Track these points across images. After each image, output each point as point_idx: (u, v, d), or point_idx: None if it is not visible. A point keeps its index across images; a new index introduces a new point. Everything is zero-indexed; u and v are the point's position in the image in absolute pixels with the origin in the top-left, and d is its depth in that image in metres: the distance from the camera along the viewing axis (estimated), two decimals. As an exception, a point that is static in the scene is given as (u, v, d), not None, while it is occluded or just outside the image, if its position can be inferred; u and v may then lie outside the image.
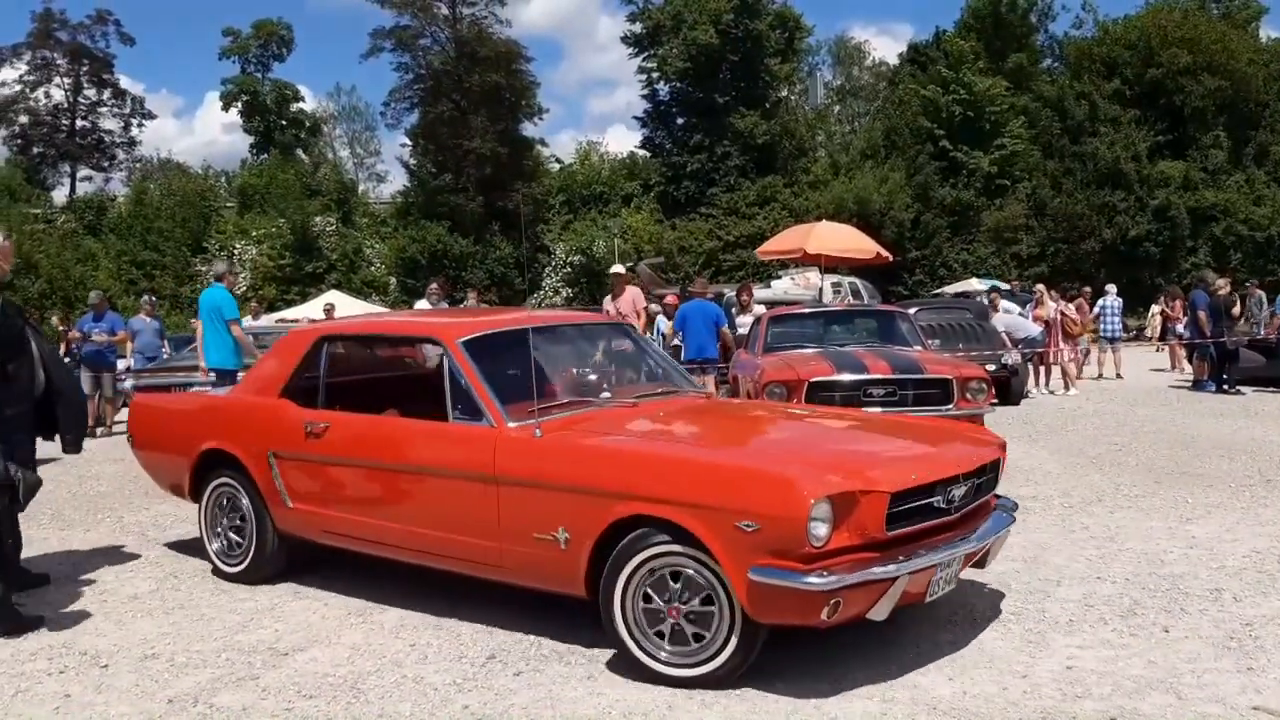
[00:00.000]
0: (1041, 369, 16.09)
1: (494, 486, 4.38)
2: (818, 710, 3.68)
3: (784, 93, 45.57)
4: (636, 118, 45.99)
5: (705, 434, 4.76)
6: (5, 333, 5.32)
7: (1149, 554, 5.68)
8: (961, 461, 4.27)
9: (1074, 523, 6.54)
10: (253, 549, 5.52)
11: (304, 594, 5.40)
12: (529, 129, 43.42)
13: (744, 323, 13.20)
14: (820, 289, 16.00)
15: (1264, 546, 5.74)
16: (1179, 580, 5.14)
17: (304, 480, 5.24)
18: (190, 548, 6.35)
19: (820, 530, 3.62)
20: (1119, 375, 18.11)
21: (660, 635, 3.95)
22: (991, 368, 13.36)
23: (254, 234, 38.43)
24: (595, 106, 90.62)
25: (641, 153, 46.09)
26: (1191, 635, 4.34)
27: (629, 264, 35.86)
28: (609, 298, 12.31)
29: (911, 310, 14.06)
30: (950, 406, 8.17)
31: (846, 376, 8.37)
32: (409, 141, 42.15)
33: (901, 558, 3.80)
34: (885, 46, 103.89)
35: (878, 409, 8.11)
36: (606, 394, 5.19)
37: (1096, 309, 18.77)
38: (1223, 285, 15.85)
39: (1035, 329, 15.56)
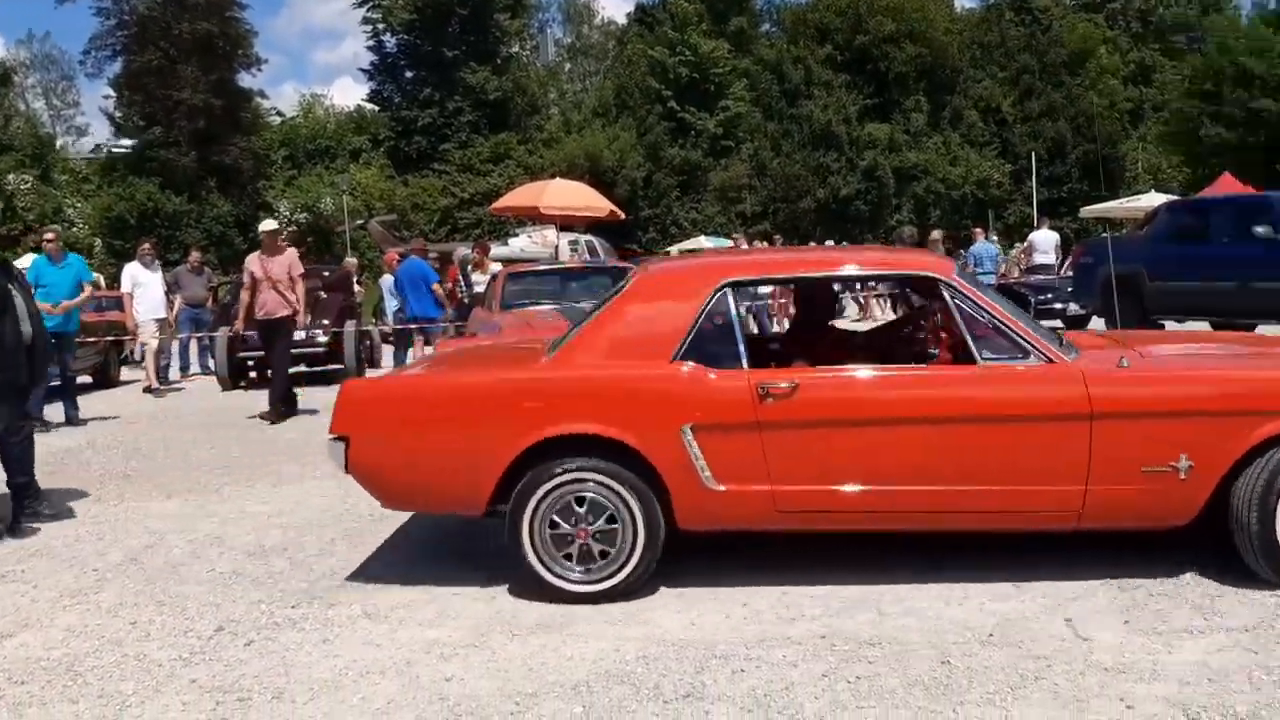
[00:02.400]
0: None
1: (1085, 424, 4.06)
2: (557, 653, 3.80)
3: (515, 49, 45.38)
4: (363, 70, 44.62)
5: (1248, 354, 5.08)
6: None
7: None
8: None
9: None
10: (636, 555, 4.28)
11: (9, 577, 5.01)
12: (246, 80, 41.22)
13: (480, 281, 13.17)
14: (557, 247, 16.12)
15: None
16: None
17: (752, 455, 4.22)
18: None
19: None
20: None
21: None
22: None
23: (-67, 192, 34.60)
24: (320, 58, 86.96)
25: (369, 106, 44.73)
26: (888, 557, 4.76)
27: (359, 221, 34.86)
28: (256, 255, 10.08)
29: (643, 266, 14.44)
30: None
31: (581, 331, 8.51)
32: (112, 92, 39.03)
33: None
34: (614, 5, 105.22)
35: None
36: None
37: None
38: (937, 238, 17.20)
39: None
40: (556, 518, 4.24)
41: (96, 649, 4.04)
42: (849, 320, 18.98)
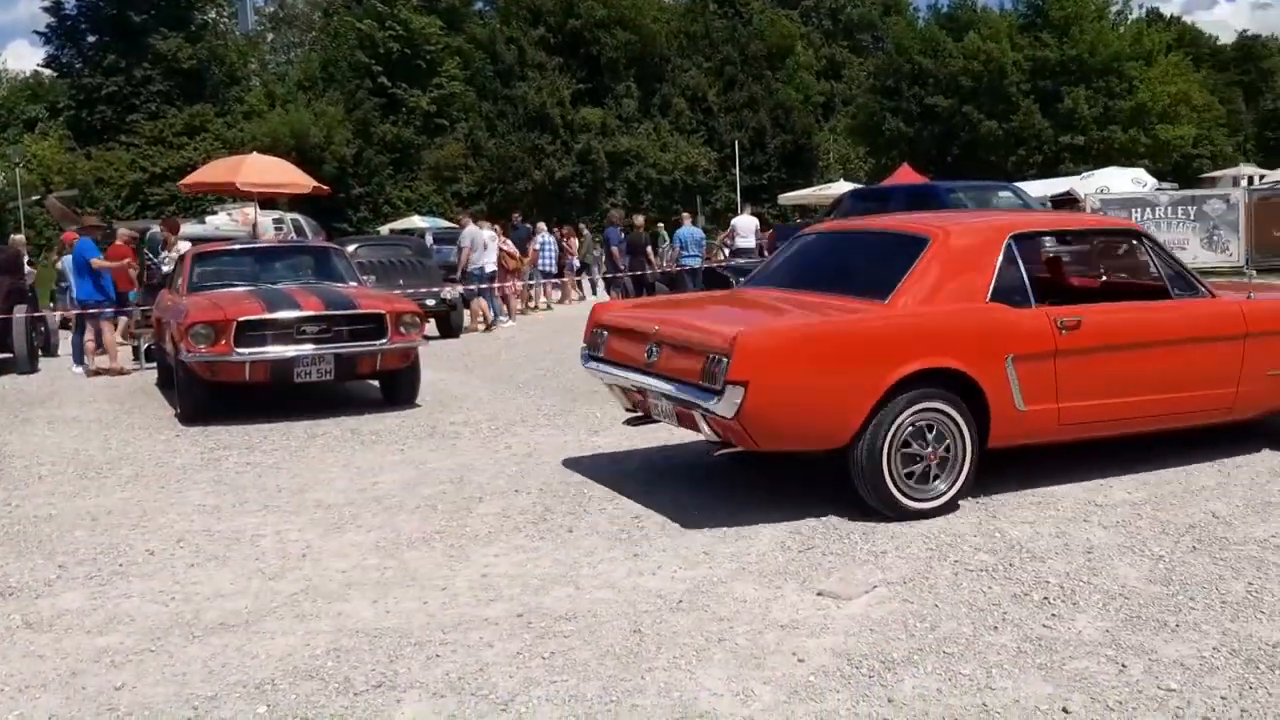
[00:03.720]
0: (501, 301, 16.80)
1: (1240, 342, 5.53)
2: (240, 652, 3.61)
3: (212, 15, 42.66)
4: (39, 32, 40.52)
5: None
6: None
7: (562, 466, 6.25)
8: None
9: (498, 443, 7.00)
10: (963, 473, 4.95)
11: None
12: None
13: (168, 260, 12.30)
14: (255, 224, 15.31)
15: (653, 451, 6.55)
16: (584, 486, 5.72)
17: (1047, 379, 5.12)
18: None
19: None
20: (550, 307, 19.55)
21: None
22: (431, 303, 13.80)
23: None
24: (-14, 15, 78.22)
25: (47, 72, 40.78)
26: (591, 532, 4.86)
27: (36, 196, 31.73)
28: None
29: (350, 247, 14.00)
30: (384, 341, 8.29)
31: (278, 314, 8.14)
32: None
33: None
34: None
35: (310, 346, 8.04)
36: None
37: (535, 245, 20.05)
38: (639, 222, 17.72)
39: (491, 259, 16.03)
40: (910, 441, 4.81)
41: None
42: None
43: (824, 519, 4.85)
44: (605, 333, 5.87)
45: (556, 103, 41.19)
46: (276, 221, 24.11)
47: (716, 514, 5.04)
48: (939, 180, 18.35)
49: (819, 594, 3.95)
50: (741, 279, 17.35)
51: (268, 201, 18.32)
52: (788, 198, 33.11)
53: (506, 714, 3.12)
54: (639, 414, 5.81)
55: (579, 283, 22.92)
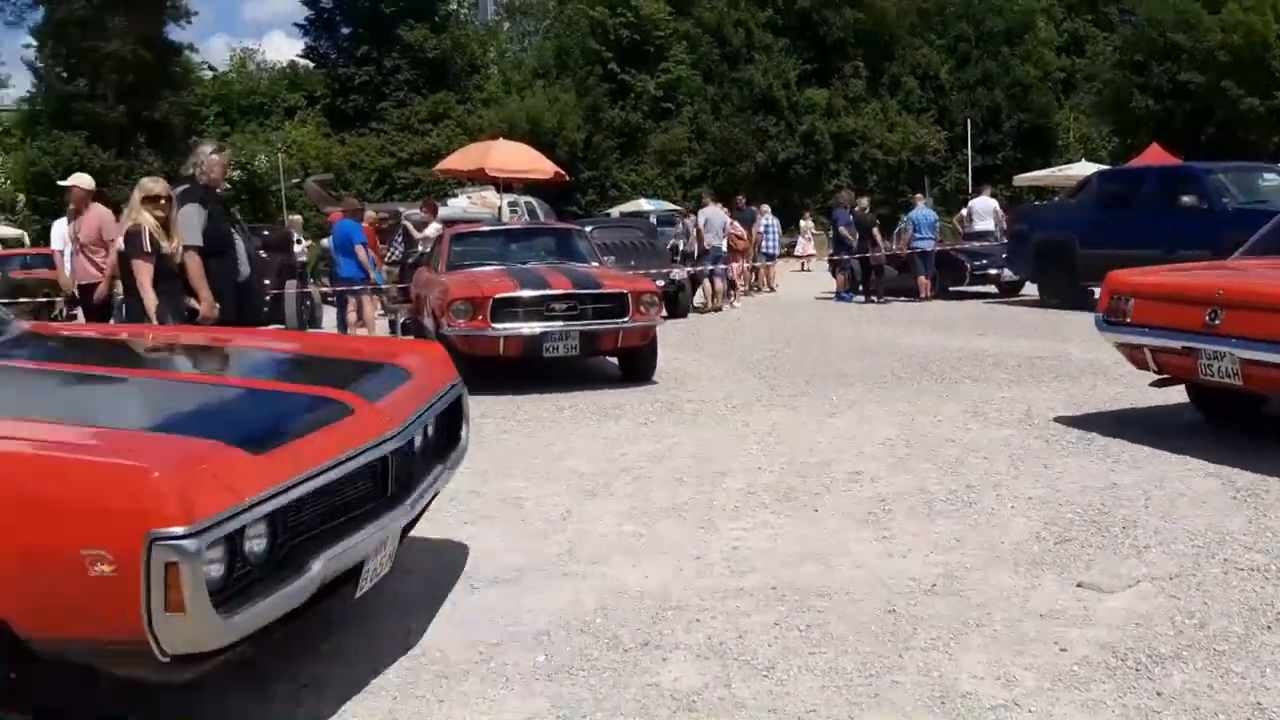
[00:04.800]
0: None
1: None
2: (516, 606, 3.89)
3: (454, 6, 44.71)
4: (298, 25, 43.67)
5: None
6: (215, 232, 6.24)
7: (801, 445, 6.33)
8: None
9: (736, 420, 7.16)
10: None
11: None
12: (176, 33, 40.03)
13: (425, 239, 13.11)
14: (500, 208, 16.08)
15: (894, 434, 6.54)
16: (827, 466, 5.79)
17: None
18: None
19: None
20: (773, 288, 19.60)
21: None
22: (661, 283, 14.13)
23: None
24: (249, 11, 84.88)
25: (304, 62, 43.83)
26: (837, 512, 4.93)
27: (295, 179, 34.25)
28: (66, 220, 9.80)
29: (587, 229, 14.53)
30: (626, 319, 8.59)
31: (529, 292, 8.59)
32: (34, 42, 37.74)
33: None
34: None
35: (559, 323, 8.44)
36: None
37: (759, 227, 20.14)
38: (865, 204, 17.50)
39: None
40: None
41: None
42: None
43: (1081, 512, 4.74)
44: (1131, 299, 6.11)
45: (782, 84, 40.94)
46: (511, 205, 25.20)
47: (965, 501, 5.01)
48: (1193, 161, 17.20)
49: (1079, 585, 3.89)
50: (976, 263, 16.94)
51: (503, 185, 19.15)
52: (1023, 179, 31.77)
53: (768, 680, 3.25)
54: (1165, 376, 6.09)
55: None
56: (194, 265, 6.18)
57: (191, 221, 6.22)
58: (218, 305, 6.19)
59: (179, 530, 2.37)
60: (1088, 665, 3.26)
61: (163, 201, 6.01)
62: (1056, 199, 25.15)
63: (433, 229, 13.07)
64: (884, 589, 3.93)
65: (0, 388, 3.48)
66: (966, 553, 4.29)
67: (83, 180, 9.20)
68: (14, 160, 36.19)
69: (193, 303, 6.14)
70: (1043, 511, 4.78)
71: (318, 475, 2.86)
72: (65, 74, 36.58)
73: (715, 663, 3.37)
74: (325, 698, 3.21)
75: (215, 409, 3.37)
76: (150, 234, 5.93)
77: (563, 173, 15.65)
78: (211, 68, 44.47)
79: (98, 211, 9.03)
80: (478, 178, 16.54)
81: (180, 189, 6.43)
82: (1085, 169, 24.99)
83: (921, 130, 42.58)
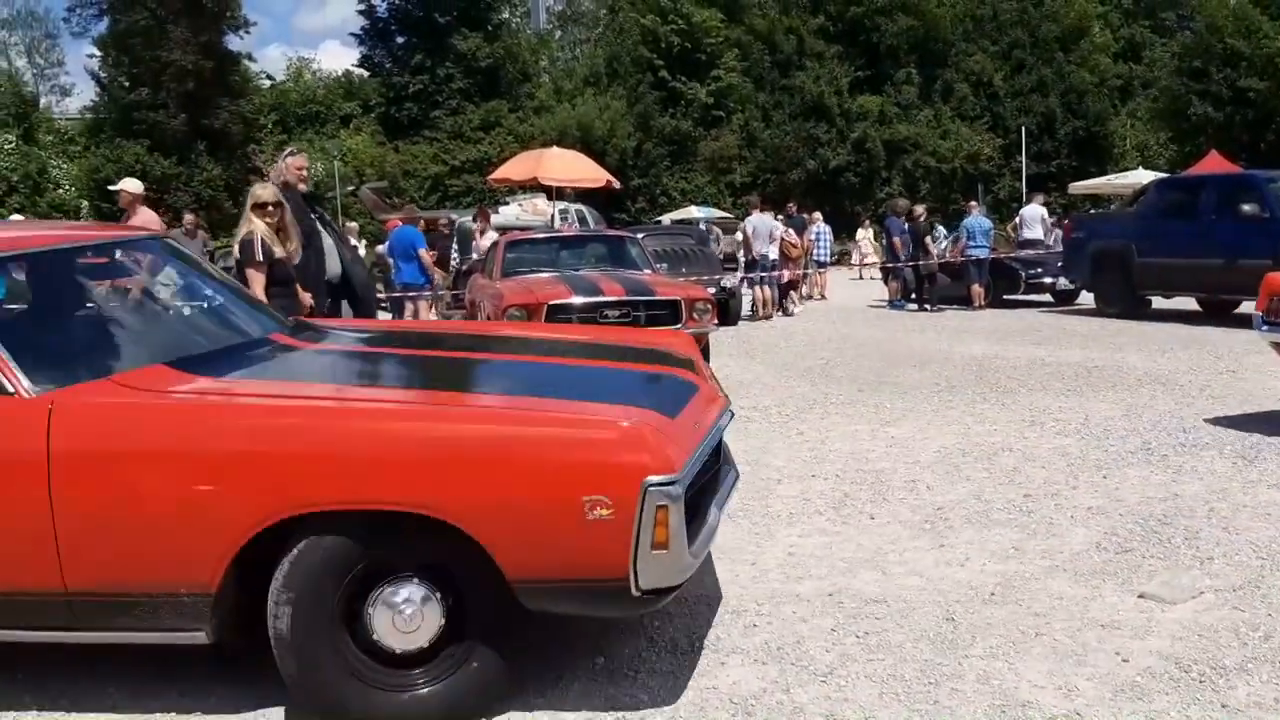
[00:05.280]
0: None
1: None
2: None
3: (505, 15, 45.09)
4: (354, 34, 44.27)
5: None
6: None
7: (856, 453, 6.32)
8: None
9: (789, 429, 7.15)
10: None
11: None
12: (235, 43, 40.82)
13: (480, 247, 13.24)
14: (552, 215, 16.18)
15: (950, 443, 6.51)
16: (881, 475, 5.77)
17: None
18: None
19: None
20: (824, 296, 19.52)
21: None
22: (712, 290, 14.14)
23: (-85, 150, 34.30)
24: (304, 21, 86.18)
25: (359, 71, 44.44)
26: (893, 520, 4.92)
27: (350, 187, 34.74)
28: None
29: (638, 237, 14.58)
30: (679, 326, 8.62)
31: (583, 299, 8.65)
32: (98, 52, 38.65)
33: None
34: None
35: (612, 329, 8.50)
36: None
37: (811, 235, 20.08)
38: (920, 212, 17.39)
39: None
40: None
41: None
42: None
43: (1142, 522, 4.69)
44: None
45: (834, 91, 40.78)
46: (562, 212, 25.35)
47: (1023, 510, 4.98)
48: (1253, 170, 16.88)
49: (1141, 596, 3.85)
50: (1030, 271, 16.74)
51: (554, 193, 19.26)
52: (1078, 187, 31.38)
53: (826, 685, 3.26)
54: None
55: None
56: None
57: None
58: (309, 295, 6.33)
59: (670, 478, 2.87)
60: (1150, 676, 3.23)
61: (271, 208, 6.12)
62: (1113, 207, 24.83)
63: (489, 237, 13.20)
64: (942, 597, 3.92)
65: (459, 369, 4.11)
66: (1025, 562, 4.27)
67: (130, 185, 9.41)
68: (78, 167, 37.06)
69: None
70: (1102, 521, 4.74)
71: (709, 436, 3.44)
72: (128, 83, 37.43)
73: (773, 667, 3.39)
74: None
75: (616, 384, 3.88)
76: (263, 240, 6.03)
77: (615, 181, 15.70)
78: (269, 77, 45.29)
79: (145, 216, 9.20)
80: (531, 185, 16.65)
81: None
82: (1142, 177, 24.62)
83: (975, 137, 42.20)
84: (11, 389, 3.01)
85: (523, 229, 15.01)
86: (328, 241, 6.76)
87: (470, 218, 15.79)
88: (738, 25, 43.66)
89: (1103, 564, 4.21)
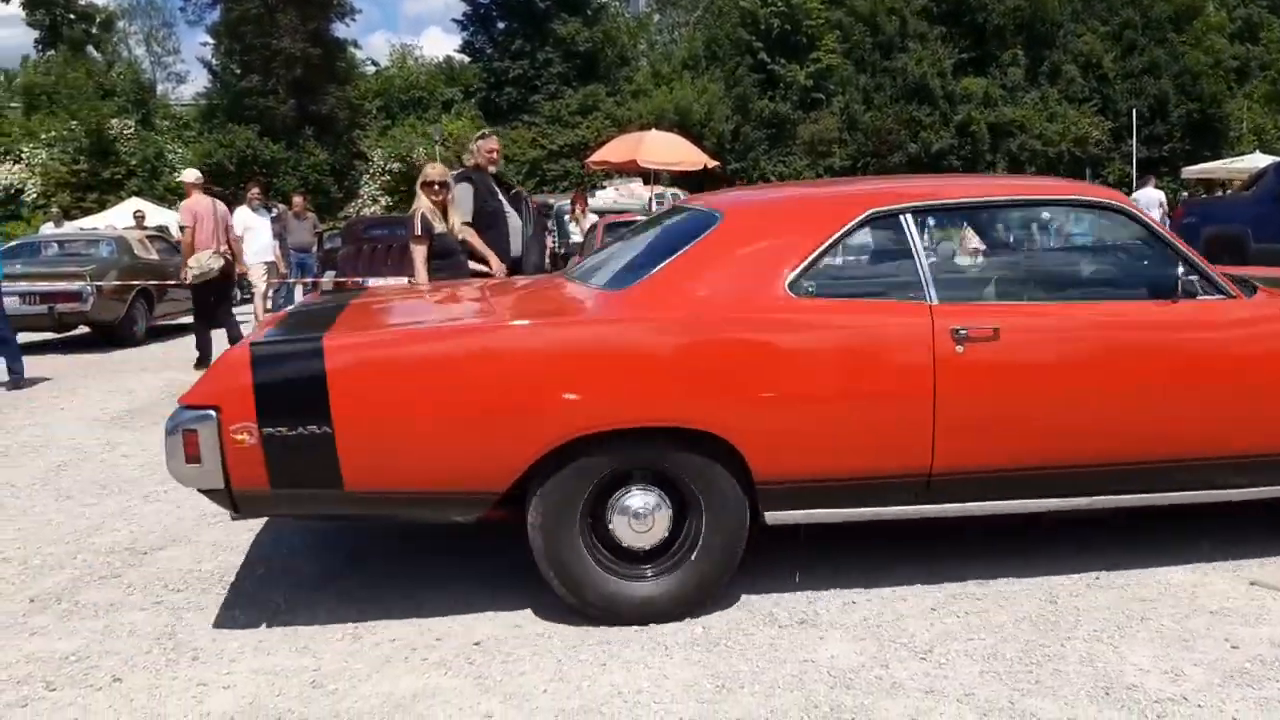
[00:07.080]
0: None
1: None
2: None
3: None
4: (456, 21, 44.94)
5: None
6: (482, 208, 6.80)
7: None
8: None
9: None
10: None
11: (155, 498, 5.38)
12: (341, 30, 41.73)
13: (576, 231, 13.39)
14: (650, 199, 16.25)
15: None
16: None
17: None
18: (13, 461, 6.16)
19: None
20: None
21: None
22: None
23: (43, 137, 35.80)
24: (409, 8, 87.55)
25: (460, 57, 45.05)
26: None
27: (452, 172, 35.29)
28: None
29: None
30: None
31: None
32: (211, 40, 39.91)
33: None
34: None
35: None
36: None
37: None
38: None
39: None
40: None
41: (248, 563, 4.36)
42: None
43: (1252, 509, 4.57)
44: None
45: (937, 73, 39.99)
46: (658, 196, 25.42)
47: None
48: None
49: (1252, 584, 3.78)
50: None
51: (652, 177, 19.29)
52: (1192, 171, 30.28)
53: (926, 662, 3.28)
54: None
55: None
56: (470, 236, 6.66)
57: (459, 200, 6.75)
58: (500, 264, 6.63)
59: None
60: (1261, 664, 3.18)
61: (437, 187, 6.42)
62: (1229, 192, 23.93)
63: (589, 219, 13.33)
64: (1044, 579, 3.89)
65: None
66: (1130, 547, 4.21)
67: (188, 175, 10.73)
68: (192, 152, 38.31)
69: (483, 269, 6.57)
70: (1211, 507, 4.62)
71: None
72: (239, 70, 38.55)
73: (871, 643, 3.41)
74: (493, 655, 3.39)
75: None
76: (424, 215, 6.35)
77: (714, 163, 15.68)
78: (374, 63, 46.23)
79: (190, 200, 10.17)
80: (629, 169, 16.72)
81: (456, 172, 7.09)
82: (1258, 161, 23.67)
83: (1083, 120, 41.01)
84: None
85: (618, 212, 15.08)
86: (514, 224, 7.02)
87: (567, 201, 15.95)
88: (838, 7, 43.07)
89: (1212, 550, 4.13)
